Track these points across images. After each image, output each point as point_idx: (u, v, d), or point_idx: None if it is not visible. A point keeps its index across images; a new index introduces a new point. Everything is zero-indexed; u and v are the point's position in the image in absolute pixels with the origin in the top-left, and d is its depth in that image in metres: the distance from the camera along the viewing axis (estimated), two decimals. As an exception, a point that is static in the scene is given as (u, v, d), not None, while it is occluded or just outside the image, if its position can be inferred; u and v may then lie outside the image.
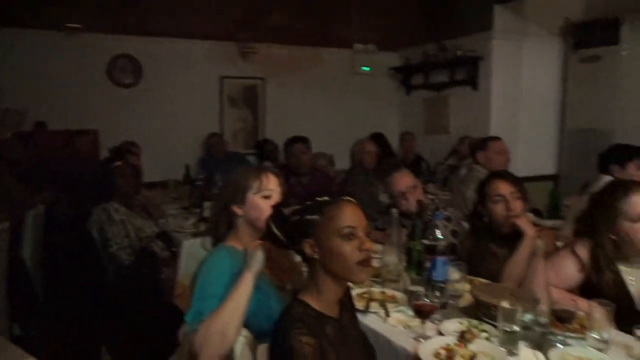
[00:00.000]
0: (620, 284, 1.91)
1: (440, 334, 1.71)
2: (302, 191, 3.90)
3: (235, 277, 1.56)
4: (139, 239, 3.32)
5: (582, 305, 1.73)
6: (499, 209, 2.29)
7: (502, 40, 5.44)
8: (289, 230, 1.46)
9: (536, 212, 3.67)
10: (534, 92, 5.66)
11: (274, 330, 1.35)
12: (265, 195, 1.77)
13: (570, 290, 1.97)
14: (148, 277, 3.20)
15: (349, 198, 1.44)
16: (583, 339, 1.61)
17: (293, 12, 4.92)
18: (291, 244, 1.46)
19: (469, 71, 5.74)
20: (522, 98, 5.63)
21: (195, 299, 1.59)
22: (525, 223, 2.23)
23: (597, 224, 1.97)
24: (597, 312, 1.59)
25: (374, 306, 1.93)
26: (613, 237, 1.93)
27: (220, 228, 1.81)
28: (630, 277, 1.92)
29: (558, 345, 1.59)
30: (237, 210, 1.77)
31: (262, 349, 1.52)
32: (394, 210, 2.36)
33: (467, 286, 2.03)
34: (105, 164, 3.82)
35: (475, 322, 1.78)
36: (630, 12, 5.00)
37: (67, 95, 5.36)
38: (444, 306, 1.85)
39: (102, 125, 5.39)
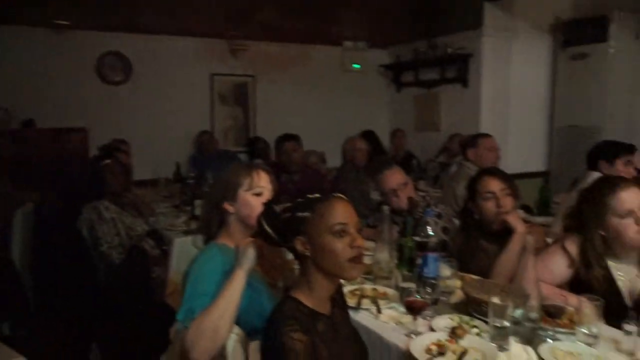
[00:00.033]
0: (610, 280, 1.93)
1: (432, 330, 1.72)
2: (293, 188, 3.89)
3: (226, 275, 1.56)
4: (129, 237, 3.29)
5: (572, 301, 1.75)
6: (489, 206, 2.30)
7: (492, 37, 5.46)
8: (280, 228, 1.46)
9: (526, 209, 3.70)
10: (523, 89, 5.71)
11: (266, 327, 1.35)
12: (256, 192, 1.76)
13: (560, 286, 1.99)
14: (139, 275, 3.18)
15: (340, 195, 1.44)
16: (572, 334, 1.62)
17: (283, 9, 4.90)
18: (282, 241, 1.45)
19: (459, 68, 5.76)
20: (512, 95, 5.66)
21: (187, 297, 1.58)
22: (515, 219, 2.24)
23: (586, 220, 1.98)
24: (586, 307, 1.60)
25: (366, 303, 1.93)
26: (602, 233, 1.94)
27: (211, 226, 1.80)
28: (619, 273, 1.95)
29: (548, 340, 1.61)
30: (229, 207, 1.76)
31: (254, 346, 1.52)
32: (385, 208, 2.36)
33: (458, 282, 2.04)
34: (94, 162, 3.79)
35: (466, 318, 1.79)
36: (618, 10, 5.06)
37: (56, 93, 5.33)
38: (435, 302, 1.86)
39: (92, 123, 5.31)
